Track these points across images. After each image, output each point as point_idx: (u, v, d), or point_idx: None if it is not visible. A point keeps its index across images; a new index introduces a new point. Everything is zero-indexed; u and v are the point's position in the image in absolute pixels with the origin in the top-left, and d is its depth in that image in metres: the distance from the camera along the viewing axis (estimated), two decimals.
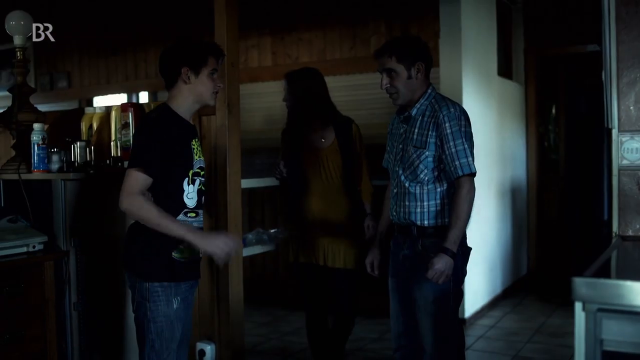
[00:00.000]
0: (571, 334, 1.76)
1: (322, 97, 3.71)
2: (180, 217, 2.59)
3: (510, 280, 6.46)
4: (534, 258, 7.16)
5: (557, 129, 7.54)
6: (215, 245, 2.55)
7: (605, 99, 2.55)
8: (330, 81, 6.32)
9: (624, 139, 2.52)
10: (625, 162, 2.52)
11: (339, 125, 3.67)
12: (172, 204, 2.58)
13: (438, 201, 2.80)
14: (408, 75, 2.79)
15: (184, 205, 2.61)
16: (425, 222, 2.81)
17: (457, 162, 2.73)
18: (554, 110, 7.57)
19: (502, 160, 6.22)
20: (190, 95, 2.64)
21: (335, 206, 3.62)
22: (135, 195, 2.46)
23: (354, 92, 6.16)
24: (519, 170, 6.88)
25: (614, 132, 2.54)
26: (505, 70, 6.65)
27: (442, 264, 2.67)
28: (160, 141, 2.52)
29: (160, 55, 2.69)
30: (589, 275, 1.77)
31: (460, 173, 2.73)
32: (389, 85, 2.82)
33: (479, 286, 5.53)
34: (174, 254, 2.58)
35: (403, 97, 2.83)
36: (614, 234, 2.54)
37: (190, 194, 2.62)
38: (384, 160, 3.08)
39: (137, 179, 2.48)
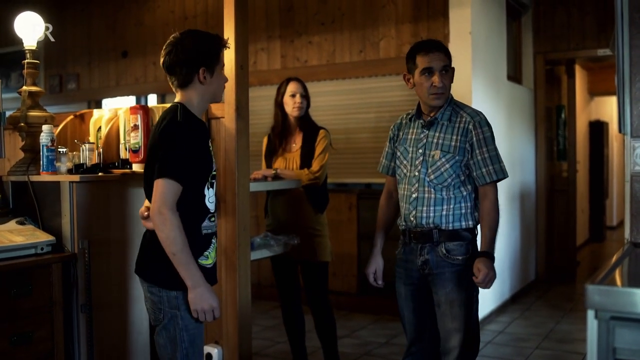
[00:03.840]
0: (580, 340, 1.75)
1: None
2: (205, 222, 2.55)
3: (518, 286, 6.44)
4: (543, 263, 7.13)
5: (567, 134, 7.51)
6: (199, 300, 2.45)
7: (618, 104, 2.52)
8: (339, 84, 6.38)
9: (636, 145, 2.49)
10: (637, 168, 2.49)
11: (308, 132, 3.91)
12: (197, 211, 2.53)
13: (463, 204, 2.83)
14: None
15: (208, 210, 2.56)
16: (450, 226, 2.81)
17: (490, 167, 2.78)
18: (563, 115, 7.54)
19: (511, 165, 6.18)
20: (206, 94, 2.58)
21: (297, 204, 3.88)
22: (172, 211, 2.39)
23: (362, 95, 6.16)
24: (528, 175, 6.85)
25: (627, 137, 2.51)
26: (514, 74, 6.63)
27: (489, 268, 2.70)
28: (190, 148, 2.46)
29: (169, 52, 2.53)
30: (602, 282, 1.75)
31: (495, 178, 2.79)
32: None
33: (487, 291, 5.46)
34: (200, 261, 2.53)
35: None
36: (626, 241, 2.51)
37: (211, 198, 2.57)
38: (382, 166, 3.08)
39: (171, 190, 2.40)
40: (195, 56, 2.51)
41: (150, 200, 2.49)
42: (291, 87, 3.89)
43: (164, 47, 2.56)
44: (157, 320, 2.56)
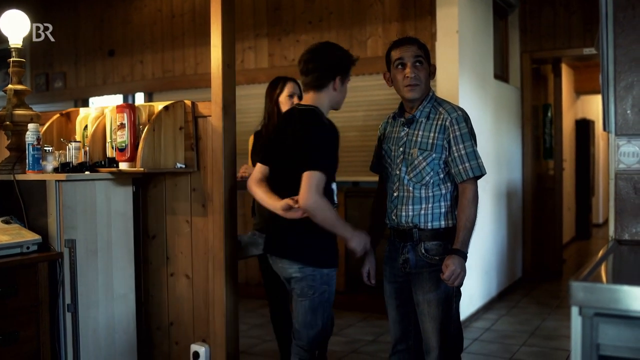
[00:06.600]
0: (566, 337, 1.77)
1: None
2: None
3: (505, 283, 6.47)
4: (529, 261, 7.17)
5: (554, 132, 7.55)
6: (358, 242, 2.84)
7: (603, 103, 2.54)
8: None
9: (620, 143, 2.51)
10: (622, 166, 2.51)
11: None
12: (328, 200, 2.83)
13: (442, 203, 2.80)
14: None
15: (334, 203, 2.88)
16: (429, 225, 2.80)
17: (467, 164, 2.74)
18: (550, 113, 7.58)
19: (497, 163, 6.22)
20: (332, 101, 2.90)
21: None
22: (322, 197, 2.72)
23: (350, 93, 6.07)
24: (515, 173, 6.89)
25: (611, 136, 2.53)
26: (501, 73, 6.66)
27: (456, 265, 2.66)
28: (334, 147, 2.81)
29: (313, 57, 2.87)
30: (586, 279, 1.77)
31: (471, 175, 2.74)
32: None
33: (474, 289, 5.53)
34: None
35: None
36: (610, 238, 2.53)
37: (335, 192, 2.91)
38: (372, 165, 3.08)
39: (322, 180, 2.72)
40: (337, 63, 2.88)
41: (282, 187, 2.86)
42: (289, 88, 3.87)
43: (305, 52, 2.92)
44: (303, 295, 2.88)
